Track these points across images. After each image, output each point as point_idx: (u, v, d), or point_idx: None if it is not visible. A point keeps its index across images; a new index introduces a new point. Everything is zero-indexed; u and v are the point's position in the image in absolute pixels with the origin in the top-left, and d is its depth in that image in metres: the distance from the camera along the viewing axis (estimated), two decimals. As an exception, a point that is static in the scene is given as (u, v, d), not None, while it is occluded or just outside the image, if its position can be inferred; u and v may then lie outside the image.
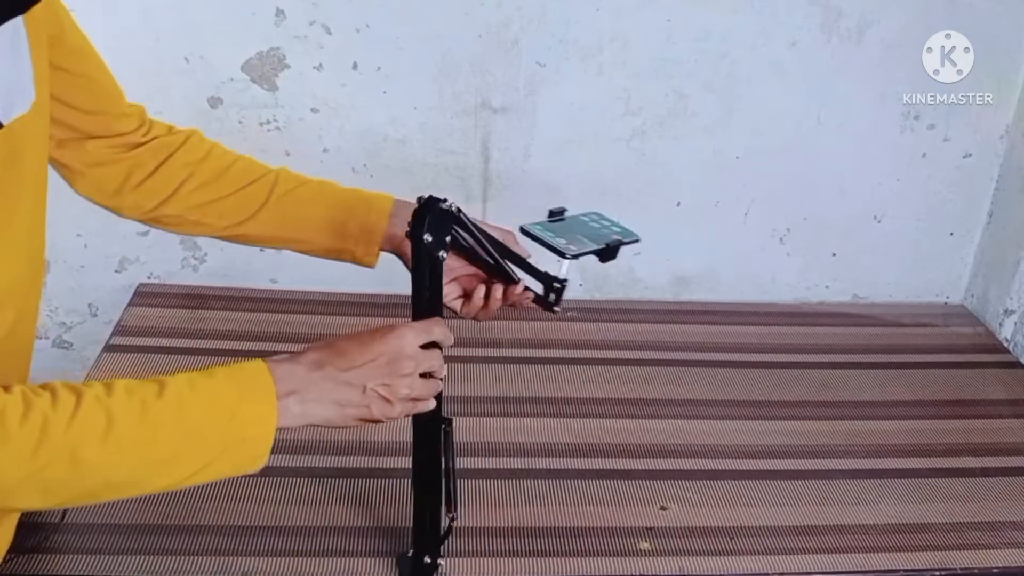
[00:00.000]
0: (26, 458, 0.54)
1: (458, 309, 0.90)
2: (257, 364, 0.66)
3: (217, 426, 0.61)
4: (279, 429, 0.64)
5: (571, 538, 1.01)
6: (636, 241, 0.84)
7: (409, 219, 0.77)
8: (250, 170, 0.88)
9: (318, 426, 0.68)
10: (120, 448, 0.57)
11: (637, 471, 1.12)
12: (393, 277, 0.91)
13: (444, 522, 0.88)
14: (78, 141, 0.82)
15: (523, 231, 0.83)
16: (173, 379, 0.62)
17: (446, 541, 0.89)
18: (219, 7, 1.27)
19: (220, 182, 0.87)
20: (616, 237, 0.82)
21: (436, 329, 0.74)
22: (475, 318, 0.90)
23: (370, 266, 0.91)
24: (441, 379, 0.75)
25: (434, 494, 0.86)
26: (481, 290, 0.87)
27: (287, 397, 0.64)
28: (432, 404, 0.75)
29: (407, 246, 0.80)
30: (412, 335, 0.71)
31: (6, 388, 0.56)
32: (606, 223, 0.85)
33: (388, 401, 0.69)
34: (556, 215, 0.83)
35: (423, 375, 0.73)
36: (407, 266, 0.86)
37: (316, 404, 0.66)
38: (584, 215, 0.87)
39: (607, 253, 0.81)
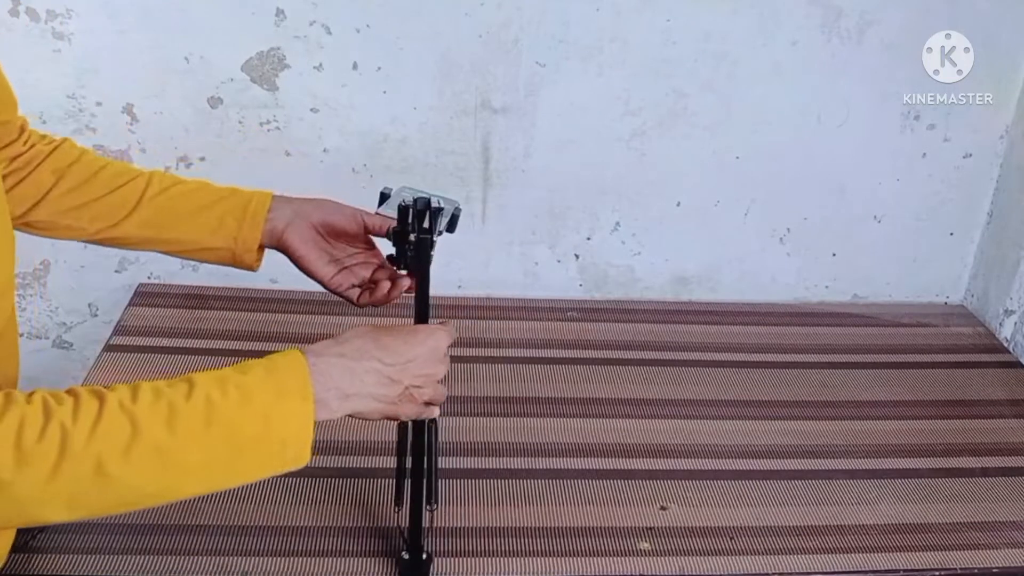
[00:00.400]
0: (46, 474, 0.53)
1: (355, 298, 0.90)
2: (295, 358, 0.63)
3: (252, 430, 0.59)
4: (318, 424, 0.62)
5: (571, 538, 1.01)
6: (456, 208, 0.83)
7: (286, 214, 0.78)
8: (122, 173, 0.86)
9: (352, 418, 0.66)
10: (147, 458, 0.55)
11: (637, 471, 1.12)
12: (393, 277, 0.91)
13: (425, 516, 0.90)
14: None
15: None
16: (203, 377, 0.59)
17: (440, 538, 0.90)
18: (219, 7, 1.27)
19: (90, 185, 0.85)
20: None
21: (452, 333, 0.75)
22: (363, 304, 0.90)
23: (251, 268, 0.88)
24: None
25: (422, 490, 0.88)
26: (386, 284, 0.87)
27: (327, 392, 0.62)
28: (436, 412, 0.75)
29: (290, 241, 0.80)
30: (446, 338, 0.71)
31: (29, 397, 0.54)
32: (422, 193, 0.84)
33: (414, 401, 0.69)
34: (385, 196, 0.83)
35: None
36: (295, 264, 0.86)
37: (357, 398, 0.65)
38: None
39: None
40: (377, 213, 0.83)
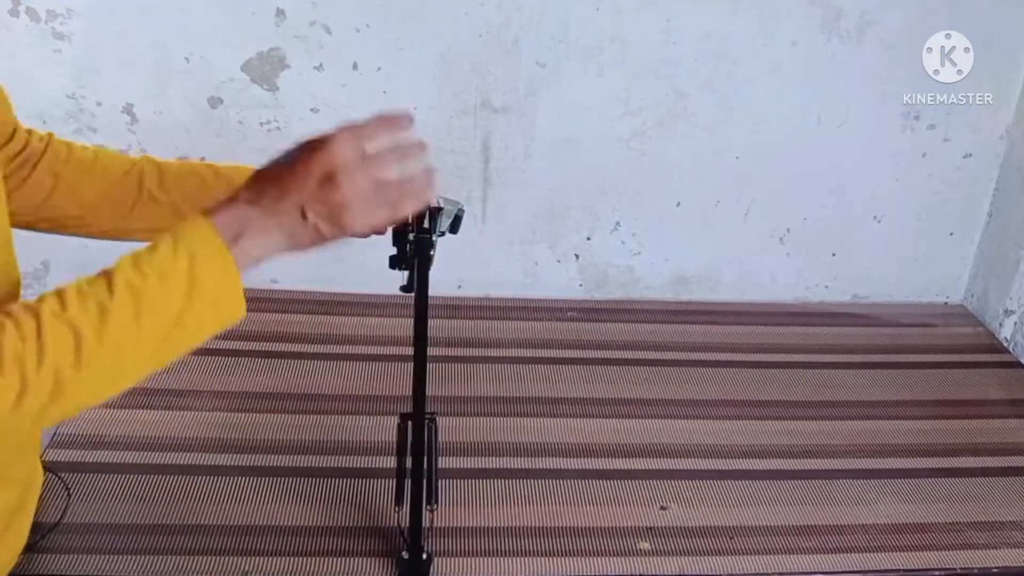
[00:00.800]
0: (12, 403, 0.55)
1: None
2: (196, 221, 0.61)
3: (178, 299, 0.59)
4: (244, 272, 0.61)
5: (571, 538, 1.01)
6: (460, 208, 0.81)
7: None
8: (112, 165, 0.86)
9: (285, 254, 0.63)
10: (94, 360, 0.57)
11: (637, 471, 1.12)
12: (391, 277, 0.91)
13: (425, 516, 0.90)
14: None
15: None
16: (119, 268, 0.59)
17: (440, 538, 0.90)
18: (219, 7, 1.27)
19: (88, 184, 0.85)
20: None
21: (377, 129, 0.66)
22: None
23: None
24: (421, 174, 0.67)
25: (420, 490, 0.88)
26: None
27: (237, 241, 0.61)
28: (429, 197, 0.67)
29: None
30: (341, 146, 0.64)
31: None
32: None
33: (337, 217, 0.62)
34: None
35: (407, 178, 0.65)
36: None
37: (266, 239, 0.62)
38: None
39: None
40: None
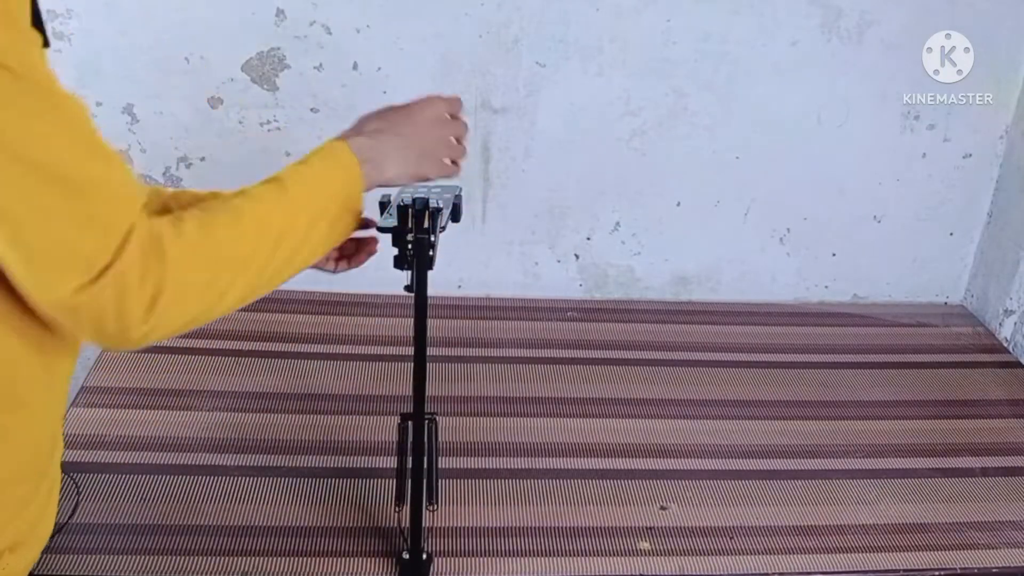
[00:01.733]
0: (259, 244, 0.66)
1: (333, 269, 0.91)
2: (338, 143, 0.74)
3: (324, 195, 0.72)
4: (368, 189, 0.74)
5: (571, 538, 1.01)
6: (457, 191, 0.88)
7: None
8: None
9: (413, 181, 0.78)
10: (288, 208, 0.69)
11: (637, 471, 1.12)
12: (391, 277, 0.91)
13: (425, 516, 0.90)
14: None
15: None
16: (283, 172, 0.72)
17: (440, 538, 0.90)
18: (219, 7, 1.27)
19: None
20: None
21: (455, 105, 0.81)
22: (340, 271, 0.91)
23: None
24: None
25: (420, 490, 0.88)
26: (352, 245, 0.88)
27: (364, 165, 0.74)
28: (458, 170, 0.80)
29: None
30: (442, 104, 0.80)
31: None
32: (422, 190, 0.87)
33: (434, 159, 0.78)
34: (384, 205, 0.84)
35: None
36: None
37: (388, 162, 0.75)
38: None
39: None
40: (378, 228, 0.83)
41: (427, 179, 0.79)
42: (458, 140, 0.81)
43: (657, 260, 1.53)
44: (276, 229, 0.68)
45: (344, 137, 0.76)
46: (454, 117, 0.82)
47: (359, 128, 0.78)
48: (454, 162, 0.81)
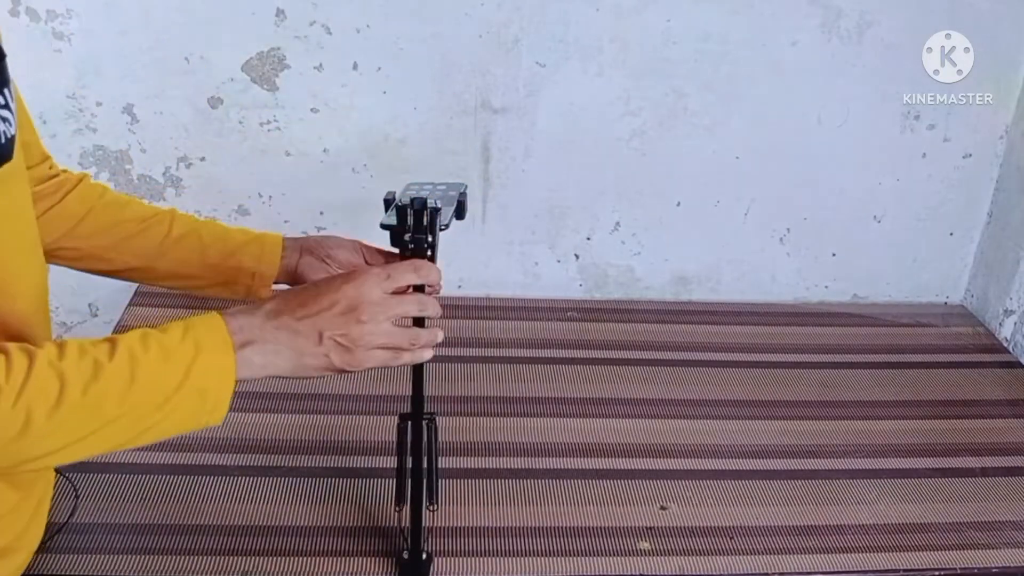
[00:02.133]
0: None
1: None
2: (212, 317, 0.64)
3: (172, 381, 0.60)
4: (239, 381, 0.63)
5: (571, 538, 1.01)
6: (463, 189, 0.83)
7: (295, 253, 0.89)
8: (145, 214, 0.90)
9: (283, 377, 0.66)
10: (72, 412, 0.57)
11: (637, 471, 1.12)
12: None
13: (425, 516, 0.90)
14: None
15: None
16: (126, 337, 0.60)
17: (440, 538, 0.91)
18: (219, 7, 1.27)
19: (119, 225, 0.88)
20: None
21: (403, 274, 0.70)
22: None
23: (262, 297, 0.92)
24: (432, 321, 0.72)
25: (420, 490, 0.88)
26: None
27: (244, 348, 0.63)
28: (425, 355, 0.71)
29: (304, 275, 0.89)
30: (370, 280, 0.67)
31: None
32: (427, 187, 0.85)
33: (348, 350, 0.66)
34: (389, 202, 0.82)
35: (418, 322, 0.71)
36: None
37: (274, 354, 0.64)
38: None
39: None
40: (382, 224, 0.82)
41: (342, 372, 0.67)
42: (419, 321, 0.71)
43: (657, 260, 1.53)
44: (102, 421, 0.59)
45: (227, 313, 0.65)
46: (417, 289, 0.70)
47: (253, 306, 0.67)
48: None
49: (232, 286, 0.91)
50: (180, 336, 0.61)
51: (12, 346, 0.57)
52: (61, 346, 0.58)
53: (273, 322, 0.65)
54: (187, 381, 0.60)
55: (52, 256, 0.86)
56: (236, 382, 0.63)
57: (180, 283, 0.91)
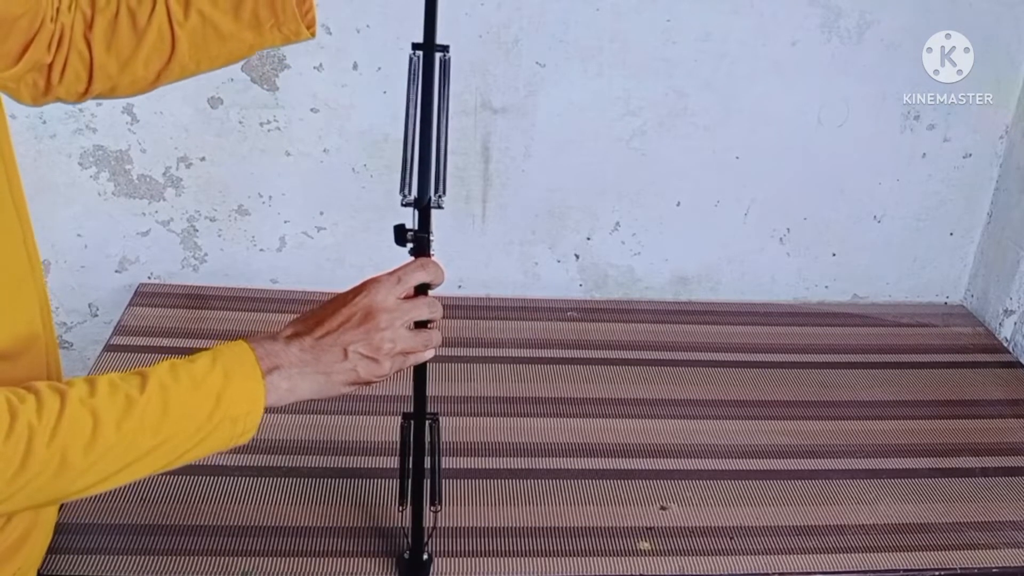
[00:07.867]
0: (13, 473, 0.54)
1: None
2: (239, 344, 0.65)
3: (204, 410, 0.61)
4: (268, 408, 0.64)
5: (571, 538, 1.01)
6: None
7: None
8: (134, 10, 0.80)
9: (312, 399, 0.67)
10: (108, 448, 0.57)
11: (637, 471, 1.12)
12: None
13: (428, 516, 0.90)
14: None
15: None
16: (155, 369, 0.61)
17: (440, 538, 0.90)
18: (219, 7, 1.27)
19: (121, 38, 0.79)
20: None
21: (413, 275, 0.71)
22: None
23: (308, 36, 0.83)
24: (434, 322, 0.72)
25: (421, 490, 0.88)
26: None
27: (272, 373, 0.64)
28: (427, 355, 0.72)
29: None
30: (383, 288, 0.69)
31: None
32: None
33: (374, 360, 0.67)
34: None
35: (419, 324, 0.71)
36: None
37: (300, 377, 0.66)
38: None
39: None
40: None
41: (369, 383, 0.68)
42: (425, 322, 0.71)
43: (657, 260, 1.53)
44: (133, 457, 0.59)
45: (252, 340, 0.66)
46: (419, 292, 0.71)
47: (274, 333, 0.68)
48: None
49: (264, 40, 0.81)
50: (209, 365, 0.62)
51: (42, 385, 0.57)
52: (91, 382, 0.59)
53: (296, 345, 0.66)
54: (218, 410, 0.62)
55: (96, 97, 0.82)
56: (265, 409, 0.64)
57: (210, 65, 0.82)
